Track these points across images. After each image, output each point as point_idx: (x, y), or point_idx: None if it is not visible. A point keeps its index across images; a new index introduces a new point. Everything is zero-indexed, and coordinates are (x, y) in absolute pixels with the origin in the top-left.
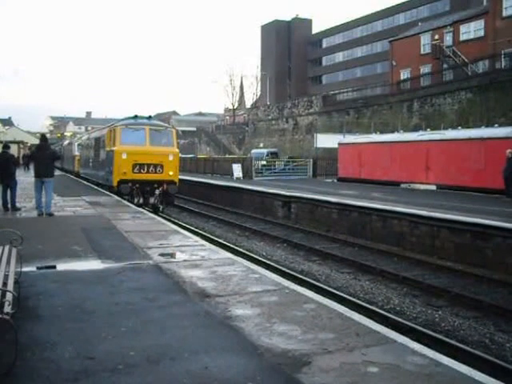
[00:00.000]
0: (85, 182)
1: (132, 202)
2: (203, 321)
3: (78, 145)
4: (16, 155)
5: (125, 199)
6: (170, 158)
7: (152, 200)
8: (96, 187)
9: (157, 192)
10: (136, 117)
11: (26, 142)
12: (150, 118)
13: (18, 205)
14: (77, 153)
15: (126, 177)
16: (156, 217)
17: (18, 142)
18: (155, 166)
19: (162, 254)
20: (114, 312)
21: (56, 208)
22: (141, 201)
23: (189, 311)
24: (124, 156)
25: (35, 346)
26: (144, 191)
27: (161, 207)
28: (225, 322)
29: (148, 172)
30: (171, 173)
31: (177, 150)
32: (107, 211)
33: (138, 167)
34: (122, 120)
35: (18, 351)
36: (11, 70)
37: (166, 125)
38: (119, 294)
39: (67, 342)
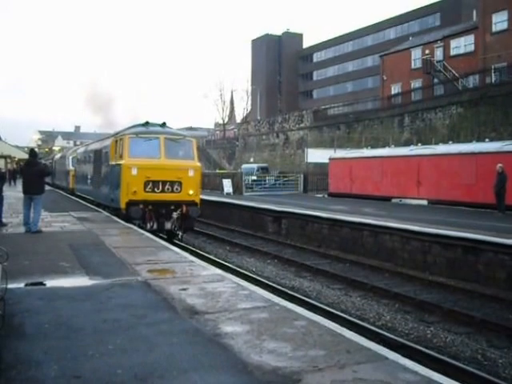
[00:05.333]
0: (74, 198)
1: (143, 228)
2: (192, 338)
3: (73, 158)
4: (3, 170)
5: (135, 224)
6: (191, 173)
7: (168, 225)
8: (85, 203)
9: (174, 215)
10: (147, 123)
11: (14, 157)
12: (164, 125)
13: (4, 220)
14: (71, 167)
15: (137, 197)
16: (145, 232)
17: (5, 157)
18: (172, 183)
19: (150, 271)
20: (101, 329)
21: (43, 223)
22: (155, 226)
23: (178, 328)
24: (134, 171)
25: (20, 364)
26: (159, 214)
27: (179, 234)
28: (214, 339)
29: (163, 191)
30: (191, 192)
31: (198, 164)
32: (95, 227)
33: (151, 185)
34: (130, 128)
35: (3, 370)
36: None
37: (184, 133)
38: (107, 311)
39: (53, 361)
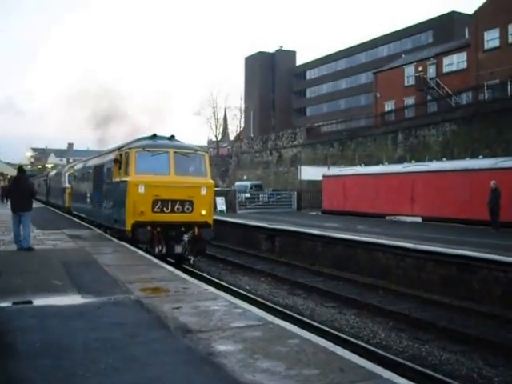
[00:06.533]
0: (67, 216)
1: (150, 253)
2: (185, 357)
3: (70, 175)
4: None
5: (142, 249)
6: (203, 191)
7: (179, 249)
8: (78, 220)
9: (185, 238)
10: (155, 136)
11: (6, 174)
12: (172, 137)
13: None
14: (67, 185)
15: (144, 218)
16: (138, 251)
17: None
18: (183, 202)
19: (143, 289)
20: (93, 348)
21: (36, 241)
22: (164, 250)
23: (170, 347)
24: (141, 189)
25: (11, 383)
26: (168, 237)
27: (191, 259)
28: (207, 358)
29: (173, 211)
30: (204, 212)
31: (211, 182)
32: (88, 245)
33: (159, 205)
34: (136, 141)
35: None
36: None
37: (196, 147)
38: (99, 330)
39: (44, 380)
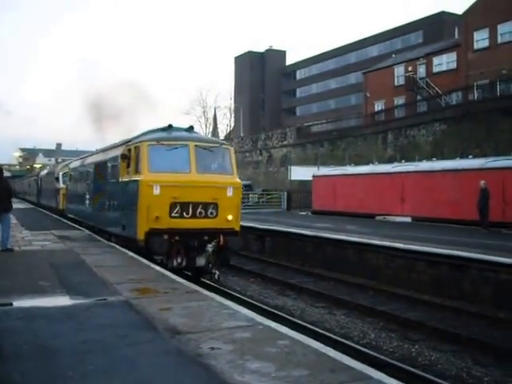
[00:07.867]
0: (56, 216)
1: (168, 266)
2: (174, 358)
3: (64, 174)
4: None
5: (157, 262)
6: (229, 192)
7: (201, 261)
8: (66, 221)
9: (209, 248)
10: (170, 127)
11: None
12: (191, 129)
13: None
14: (62, 185)
15: (160, 225)
16: (128, 252)
17: None
18: (206, 206)
19: (132, 290)
20: (81, 350)
21: (23, 242)
22: (184, 263)
23: (159, 349)
24: (156, 191)
25: None
26: (188, 247)
27: (216, 273)
28: (196, 359)
29: (195, 216)
30: (230, 217)
31: (238, 181)
32: (77, 246)
33: (178, 208)
34: (148, 133)
35: None
36: None
37: (219, 140)
38: (87, 332)
39: (31, 383)
